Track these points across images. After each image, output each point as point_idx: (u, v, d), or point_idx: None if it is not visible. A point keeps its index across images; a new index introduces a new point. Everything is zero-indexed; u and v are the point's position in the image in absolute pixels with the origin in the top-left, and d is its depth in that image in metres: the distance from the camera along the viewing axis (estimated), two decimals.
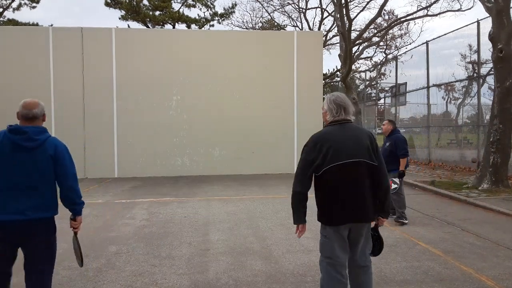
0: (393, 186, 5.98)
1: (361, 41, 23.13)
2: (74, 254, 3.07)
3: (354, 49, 22.26)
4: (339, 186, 2.60)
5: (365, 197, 2.61)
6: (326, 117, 2.81)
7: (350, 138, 2.65)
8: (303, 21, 30.84)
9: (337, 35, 24.24)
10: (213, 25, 26.72)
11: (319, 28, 25.98)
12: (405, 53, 18.38)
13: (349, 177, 2.59)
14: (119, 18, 24.94)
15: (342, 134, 2.66)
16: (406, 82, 17.33)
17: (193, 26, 25.49)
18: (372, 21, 19.53)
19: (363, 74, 27.25)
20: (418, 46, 16.53)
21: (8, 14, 24.77)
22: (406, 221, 6.01)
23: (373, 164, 2.63)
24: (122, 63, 12.31)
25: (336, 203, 2.61)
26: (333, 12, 21.60)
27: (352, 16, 17.74)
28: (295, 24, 28.66)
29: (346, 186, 2.59)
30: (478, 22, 12.17)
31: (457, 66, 14.78)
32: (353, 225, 2.63)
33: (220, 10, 27.22)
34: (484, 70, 12.89)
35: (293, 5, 26.91)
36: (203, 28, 25.50)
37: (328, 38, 27.42)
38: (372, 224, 2.78)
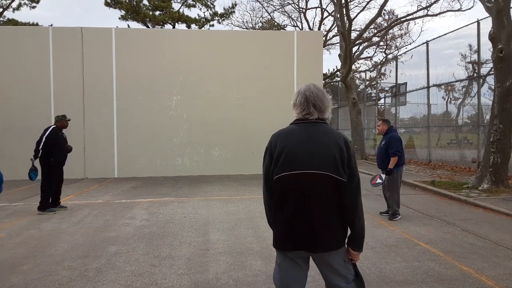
0: (378, 181, 6.10)
1: (361, 41, 23.16)
2: (74, 254, 3.07)
3: (354, 49, 22.28)
4: (288, 202, 2.03)
5: (318, 220, 1.99)
6: (293, 113, 2.28)
7: (314, 143, 2.03)
8: (303, 21, 30.95)
9: (337, 35, 24.27)
10: (213, 25, 26.76)
11: (319, 28, 25.98)
12: (405, 53, 18.39)
13: (302, 192, 2.00)
14: (119, 18, 24.98)
15: (304, 137, 2.07)
16: (406, 82, 17.34)
17: (193, 26, 25.50)
18: (372, 21, 19.56)
19: (363, 74, 27.27)
20: (418, 46, 16.54)
21: (8, 14, 24.82)
22: (399, 216, 6.30)
23: (340, 180, 1.99)
24: (122, 63, 12.31)
25: (282, 223, 2.06)
26: (333, 12, 21.63)
27: (352, 16, 17.76)
28: (295, 24, 28.71)
29: (296, 203, 2.01)
30: (478, 22, 12.17)
31: (457, 66, 14.78)
32: (313, 254, 2.07)
33: (220, 10, 27.28)
34: (484, 70, 12.90)
35: (293, 5, 26.99)
36: (203, 28, 25.50)
37: (328, 38, 27.46)
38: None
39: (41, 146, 6.66)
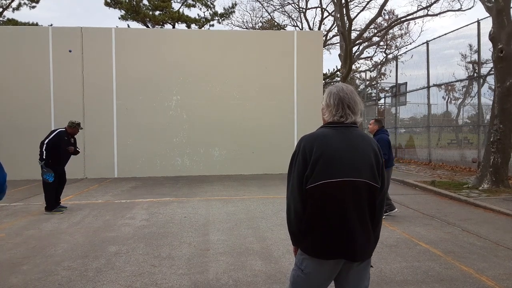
0: None
1: (361, 41, 23.15)
2: (74, 254, 3.05)
3: (354, 49, 22.28)
4: (326, 209, 1.92)
5: (357, 227, 1.93)
6: (323, 115, 2.12)
7: (352, 148, 1.94)
8: (303, 21, 30.91)
9: (337, 35, 24.26)
10: (213, 25, 26.76)
11: (319, 28, 25.98)
12: (405, 53, 18.39)
13: (341, 199, 1.91)
14: (119, 18, 24.98)
15: (340, 142, 1.95)
16: (406, 82, 17.34)
17: (193, 26, 25.50)
18: (372, 21, 19.55)
19: (363, 74, 27.27)
20: (419, 46, 16.54)
21: (8, 14, 24.81)
22: (395, 209, 6.40)
23: (375, 187, 1.96)
24: (122, 63, 12.30)
25: (321, 231, 1.95)
26: (333, 12, 21.62)
27: (352, 16, 17.76)
28: (295, 24, 28.70)
29: (335, 211, 1.91)
30: (478, 22, 12.17)
31: (458, 66, 14.77)
32: (349, 263, 1.98)
33: (220, 10, 27.32)
34: (484, 70, 12.89)
35: (293, 5, 26.96)
36: (203, 28, 25.50)
37: (328, 38, 27.46)
38: None
39: (43, 148, 6.67)
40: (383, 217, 6.18)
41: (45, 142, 6.69)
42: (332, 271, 2.01)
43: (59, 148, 6.80)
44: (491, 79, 11.79)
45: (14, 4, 23.92)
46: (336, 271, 2.02)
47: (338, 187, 1.90)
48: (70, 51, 10.70)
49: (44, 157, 6.65)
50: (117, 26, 18.53)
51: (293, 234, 2.05)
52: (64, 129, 6.97)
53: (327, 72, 28.74)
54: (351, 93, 2.04)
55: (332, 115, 2.03)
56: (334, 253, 1.94)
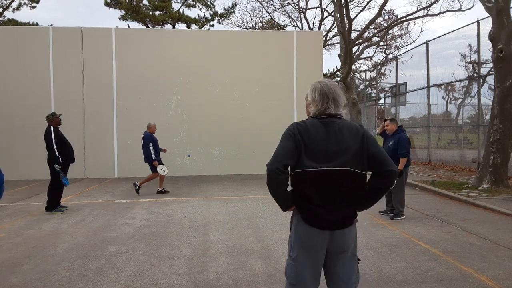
0: None
1: (361, 41, 23.14)
2: (74, 254, 3.05)
3: (354, 49, 22.28)
4: (311, 195, 2.05)
5: (341, 209, 2.08)
6: (309, 109, 2.21)
7: (335, 139, 2.04)
8: (303, 21, 30.98)
9: (337, 35, 24.27)
10: (213, 25, 26.77)
11: (319, 28, 25.98)
12: (405, 53, 18.38)
13: (323, 186, 2.02)
14: (119, 18, 24.98)
15: (325, 133, 2.04)
16: (406, 82, 17.34)
17: (193, 26, 25.51)
18: (372, 21, 19.53)
19: (363, 74, 27.27)
20: (418, 46, 16.54)
21: (8, 14, 24.83)
22: (403, 217, 6.30)
23: (360, 173, 2.05)
24: (122, 63, 12.31)
25: (305, 208, 2.11)
26: (333, 12, 21.62)
27: (352, 16, 17.76)
28: (295, 24, 28.71)
29: (317, 197, 2.04)
30: (478, 22, 12.17)
31: (457, 66, 14.78)
32: (330, 253, 2.12)
33: (220, 10, 27.30)
34: (484, 70, 12.89)
35: (293, 5, 26.98)
36: (203, 28, 25.50)
37: (328, 38, 27.47)
38: None
39: (57, 152, 6.61)
40: (394, 219, 6.15)
41: (53, 146, 6.62)
42: (317, 254, 2.11)
43: (65, 144, 6.77)
44: (491, 79, 11.79)
45: (14, 4, 23.96)
46: (321, 256, 2.12)
47: (319, 175, 2.01)
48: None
49: (60, 161, 6.61)
50: (117, 26, 18.52)
51: (282, 199, 2.14)
52: (50, 126, 6.82)
53: (327, 72, 28.76)
54: (334, 88, 2.16)
55: (317, 108, 2.14)
56: (317, 222, 2.06)
